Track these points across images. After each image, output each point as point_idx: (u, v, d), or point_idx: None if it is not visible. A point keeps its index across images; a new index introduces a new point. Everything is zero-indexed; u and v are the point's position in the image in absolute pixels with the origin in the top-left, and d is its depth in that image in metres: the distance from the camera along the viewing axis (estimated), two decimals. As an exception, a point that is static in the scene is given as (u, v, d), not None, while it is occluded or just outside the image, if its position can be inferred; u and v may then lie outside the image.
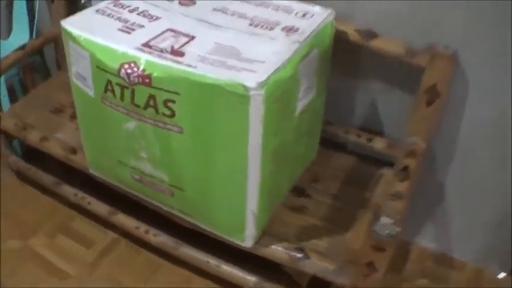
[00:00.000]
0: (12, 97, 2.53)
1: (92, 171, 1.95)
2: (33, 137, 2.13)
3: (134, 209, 1.98)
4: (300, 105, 1.63)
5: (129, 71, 1.49)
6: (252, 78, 1.39)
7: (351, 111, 2.08)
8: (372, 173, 2.02)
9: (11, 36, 2.64)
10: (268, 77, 1.41)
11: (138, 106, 1.55)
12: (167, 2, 1.75)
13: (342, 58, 1.85)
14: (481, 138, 1.89)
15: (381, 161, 2.03)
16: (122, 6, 1.73)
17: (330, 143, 2.05)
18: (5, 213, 2.33)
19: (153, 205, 1.86)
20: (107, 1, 1.76)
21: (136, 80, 1.48)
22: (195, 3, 1.75)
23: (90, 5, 2.01)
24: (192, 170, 1.62)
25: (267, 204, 1.69)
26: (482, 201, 2.03)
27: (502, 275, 2.14)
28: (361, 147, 2.01)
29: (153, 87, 1.49)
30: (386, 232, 1.44)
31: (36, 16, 2.51)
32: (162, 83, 1.47)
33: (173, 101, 1.49)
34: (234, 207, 1.64)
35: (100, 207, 2.13)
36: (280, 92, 1.45)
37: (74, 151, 2.03)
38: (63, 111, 2.26)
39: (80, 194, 2.18)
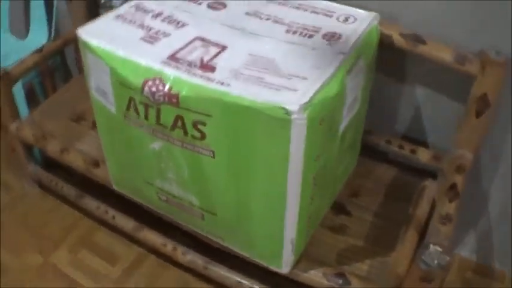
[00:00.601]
0: (33, 100, 2.33)
1: (115, 188, 1.73)
2: (53, 148, 1.94)
3: (161, 223, 1.77)
4: (344, 122, 1.42)
5: (153, 89, 1.28)
6: (293, 100, 1.18)
7: (393, 119, 1.88)
8: (414, 185, 1.80)
9: (28, 37, 2.44)
10: (312, 97, 1.19)
11: (164, 126, 1.34)
12: (195, 5, 1.54)
13: (384, 62, 1.65)
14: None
15: (423, 171, 1.82)
16: (145, 11, 1.51)
17: (369, 150, 1.84)
18: (26, 225, 2.15)
19: (181, 224, 1.67)
20: (127, 4, 1.52)
21: (162, 99, 1.27)
22: (225, 6, 1.54)
23: (111, 5, 1.80)
24: (225, 195, 1.41)
25: (306, 230, 1.49)
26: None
27: None
28: (404, 157, 1.77)
29: (181, 108, 1.27)
30: (436, 262, 1.25)
31: (54, 16, 2.29)
32: (191, 104, 1.26)
33: (203, 123, 1.28)
34: (270, 234, 1.44)
35: (125, 222, 1.93)
36: (324, 114, 1.24)
37: (96, 164, 1.83)
38: (84, 119, 2.05)
39: (103, 207, 1.98)
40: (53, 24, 2.35)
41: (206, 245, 1.67)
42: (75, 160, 1.89)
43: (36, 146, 2.00)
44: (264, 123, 1.20)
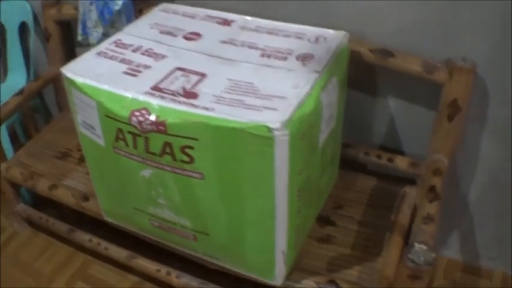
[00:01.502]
0: (15, 142, 2.39)
1: (107, 218, 1.80)
2: (41, 186, 2.00)
3: (154, 249, 1.83)
4: (323, 137, 1.49)
5: (140, 118, 1.35)
6: (275, 118, 1.26)
7: (370, 131, 1.97)
8: (395, 192, 1.89)
9: (7, 79, 2.52)
10: (292, 115, 1.28)
11: (153, 154, 1.41)
12: (171, 37, 1.62)
13: (356, 77, 1.73)
14: (503, 147, 1.78)
15: (402, 179, 1.90)
16: (124, 46, 1.59)
17: (349, 163, 1.92)
18: (19, 264, 2.21)
19: (175, 248, 1.72)
20: (107, 41, 1.60)
21: (149, 127, 1.34)
22: (201, 36, 1.60)
23: (88, 43, 1.88)
24: (217, 214, 1.48)
25: (295, 241, 1.56)
26: (505, 210, 1.94)
27: None
28: (383, 167, 1.85)
29: (169, 134, 1.34)
30: (422, 259, 1.33)
31: (31, 57, 2.35)
32: (178, 130, 1.34)
33: (191, 147, 1.35)
34: (263, 249, 1.51)
35: (118, 252, 2.00)
36: (304, 129, 1.33)
37: (86, 198, 1.89)
38: (69, 156, 2.12)
39: (95, 239, 2.04)
40: (31, 65, 2.41)
41: (200, 266, 1.73)
42: (64, 196, 1.96)
43: (25, 185, 2.05)
44: (249, 143, 1.28)
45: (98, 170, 1.67)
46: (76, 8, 2.08)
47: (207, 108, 1.32)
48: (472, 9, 1.57)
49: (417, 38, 1.69)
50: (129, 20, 1.91)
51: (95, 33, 1.97)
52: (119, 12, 1.91)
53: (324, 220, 1.80)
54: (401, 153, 1.95)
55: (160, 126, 1.34)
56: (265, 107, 1.31)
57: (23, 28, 2.43)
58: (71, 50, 2.26)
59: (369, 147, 1.92)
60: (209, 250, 1.63)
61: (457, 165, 1.89)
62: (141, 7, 1.95)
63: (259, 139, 1.27)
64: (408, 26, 1.68)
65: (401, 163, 1.86)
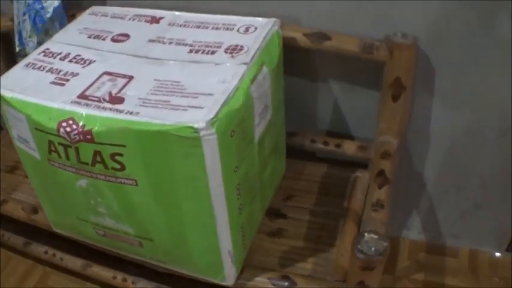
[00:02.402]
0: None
1: (55, 229, 1.74)
2: (-9, 202, 1.89)
3: (110, 256, 1.78)
4: (259, 130, 1.43)
5: (68, 129, 1.30)
6: (199, 117, 1.21)
7: (314, 117, 1.92)
8: (346, 178, 1.84)
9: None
10: (218, 112, 1.22)
11: (85, 163, 1.36)
12: (99, 41, 1.56)
13: (294, 63, 1.69)
14: (454, 119, 1.75)
15: (353, 163, 1.86)
16: (53, 55, 1.53)
17: (297, 152, 1.87)
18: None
19: (125, 255, 1.67)
20: (35, 51, 1.55)
21: (77, 137, 1.29)
22: (129, 37, 1.55)
23: (25, 53, 1.84)
24: (156, 220, 1.44)
25: (242, 239, 1.51)
26: (464, 185, 1.91)
27: (498, 254, 2.04)
28: (331, 153, 1.80)
29: (97, 143, 1.29)
30: (373, 249, 1.28)
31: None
32: (105, 137, 1.28)
33: (120, 154, 1.30)
34: (208, 250, 1.46)
35: (73, 262, 1.95)
36: (234, 125, 1.27)
37: (35, 211, 1.84)
38: (18, 168, 2.07)
39: (51, 250, 1.99)
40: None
41: (155, 271, 1.69)
42: (14, 210, 1.91)
43: (-26, 203, 1.99)
44: (176, 145, 1.22)
45: (39, 183, 1.62)
46: (12, 19, 2.01)
47: (131, 113, 1.26)
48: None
49: (352, 19, 1.64)
50: (62, 26, 1.85)
51: (31, 43, 1.92)
52: (51, 19, 1.85)
53: (274, 213, 1.75)
54: (350, 137, 1.90)
55: (87, 136, 1.29)
56: (191, 106, 1.25)
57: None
58: (11, 62, 2.19)
59: (315, 134, 1.87)
60: (156, 255, 1.58)
61: (408, 143, 1.85)
62: (73, 12, 1.89)
63: (185, 141, 1.21)
64: (342, 6, 1.63)
65: (349, 148, 1.81)
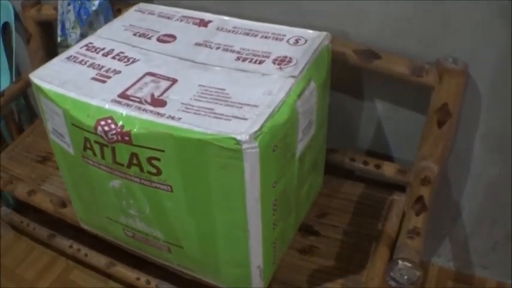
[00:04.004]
0: (1, 144, 2.31)
1: (83, 226, 1.70)
2: (20, 191, 1.90)
3: (135, 256, 1.72)
4: (301, 146, 1.37)
5: (106, 128, 1.24)
6: (243, 129, 1.15)
7: (355, 135, 1.86)
8: (382, 200, 1.77)
9: (-8, 83, 2.37)
10: (262, 125, 1.16)
11: (121, 164, 1.31)
12: (144, 40, 1.50)
13: (341, 78, 1.62)
14: (496, 152, 1.68)
15: (391, 185, 1.78)
16: (95, 50, 1.48)
17: (335, 169, 1.80)
18: (2, 269, 2.13)
19: (152, 258, 1.62)
20: (78, 45, 1.49)
21: (115, 137, 1.24)
22: (175, 38, 1.49)
23: (67, 44, 1.79)
24: (188, 228, 1.38)
25: (273, 255, 1.45)
26: (499, 217, 1.84)
27: None
28: (370, 173, 1.73)
29: (135, 145, 1.24)
30: (406, 278, 1.22)
31: (14, 57, 2.24)
32: (144, 140, 1.23)
33: (158, 159, 1.25)
34: (237, 263, 1.41)
35: (97, 259, 1.92)
36: (277, 140, 1.21)
37: (63, 204, 1.80)
38: (49, 159, 2.02)
39: (76, 245, 1.96)
40: (13, 67, 2.31)
41: (180, 276, 1.63)
42: (42, 202, 1.86)
43: (4, 189, 1.95)
44: (217, 155, 1.17)
45: (70, 178, 1.57)
46: (56, 8, 1.97)
47: (173, 118, 1.21)
48: (459, 5, 1.45)
49: (402, 37, 1.58)
50: (107, 21, 1.81)
51: (73, 34, 1.87)
52: (96, 12, 1.81)
53: (306, 230, 1.69)
54: (390, 158, 1.84)
55: (125, 137, 1.24)
56: (234, 116, 1.19)
57: (5, 29, 2.34)
58: (52, 51, 2.16)
59: (355, 153, 1.80)
60: (183, 262, 1.53)
61: (448, 170, 1.78)
62: (119, 7, 1.84)
63: (226, 152, 1.15)
64: (392, 24, 1.57)
65: (388, 170, 1.74)
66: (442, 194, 1.80)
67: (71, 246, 1.98)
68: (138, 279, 1.81)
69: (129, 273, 1.84)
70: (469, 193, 1.83)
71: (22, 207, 2.19)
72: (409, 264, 1.25)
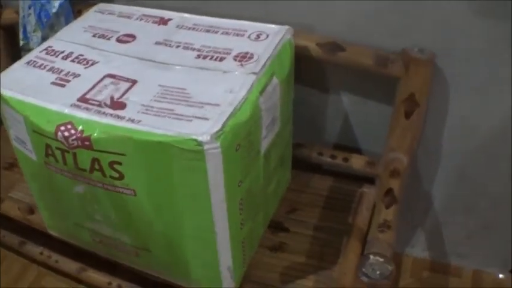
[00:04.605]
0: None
1: (51, 232, 1.66)
2: (-14, 200, 1.80)
3: (107, 261, 1.68)
4: (265, 143, 1.34)
5: (66, 133, 1.21)
6: (204, 129, 1.12)
7: (322, 129, 1.83)
8: (352, 193, 1.75)
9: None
10: (224, 124, 1.13)
11: (83, 170, 1.28)
12: (104, 41, 1.47)
13: (304, 72, 1.60)
14: (466, 140, 1.66)
15: (360, 177, 1.76)
16: (55, 54, 1.44)
17: (302, 163, 1.78)
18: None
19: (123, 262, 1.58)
20: (37, 49, 1.46)
21: (75, 143, 1.21)
22: (135, 38, 1.45)
23: (29, 48, 1.74)
24: (154, 231, 1.35)
25: (242, 254, 1.43)
26: (472, 205, 1.82)
27: (501, 276, 1.96)
28: (338, 166, 1.70)
29: (95, 150, 1.20)
30: (378, 273, 1.20)
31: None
32: (104, 145, 1.20)
33: (119, 163, 1.21)
34: (206, 265, 1.38)
35: (68, 265, 1.88)
36: (240, 139, 1.18)
37: (31, 211, 1.76)
38: (16, 166, 1.96)
39: (46, 252, 1.91)
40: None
41: (152, 279, 1.60)
42: (10, 209, 1.83)
43: (-29, 199, 1.90)
44: (178, 157, 1.14)
45: (35, 185, 1.54)
46: (17, 12, 1.93)
47: (133, 120, 1.18)
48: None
49: (370, 29, 1.55)
50: (68, 22, 1.77)
51: (35, 37, 1.83)
52: (56, 14, 1.77)
53: (276, 226, 1.66)
54: (358, 150, 1.81)
55: (85, 142, 1.20)
56: (195, 117, 1.16)
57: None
58: (16, 55, 2.10)
59: (323, 147, 1.77)
60: (153, 265, 1.50)
61: (418, 160, 1.76)
62: (80, 8, 1.80)
63: (188, 153, 1.12)
64: (360, 17, 1.54)
65: (357, 163, 1.71)
66: (412, 185, 1.78)
67: (41, 253, 1.94)
68: (109, 283, 1.78)
69: (100, 278, 1.81)
70: (440, 183, 1.81)
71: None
72: (381, 259, 1.22)
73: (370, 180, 1.75)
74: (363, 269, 1.21)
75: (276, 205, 1.67)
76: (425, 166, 1.79)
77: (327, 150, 1.75)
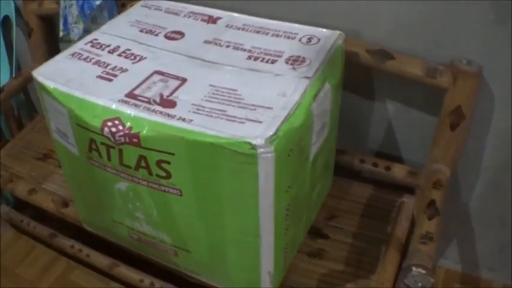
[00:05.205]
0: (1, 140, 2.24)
1: (86, 227, 1.62)
2: (20, 190, 1.83)
3: (139, 258, 1.65)
4: (314, 149, 1.32)
5: (113, 129, 1.18)
6: (258, 133, 1.09)
7: (365, 136, 1.80)
8: (392, 202, 1.71)
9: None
10: (278, 129, 1.10)
11: (128, 167, 1.25)
12: (152, 36, 1.43)
13: (352, 79, 1.56)
14: (505, 154, 1.63)
15: (400, 186, 1.72)
16: (101, 47, 1.41)
17: (344, 170, 1.74)
18: (2, 269, 2.06)
19: (157, 261, 1.56)
20: (82, 41, 1.43)
21: (122, 139, 1.17)
22: (183, 35, 1.43)
23: (69, 39, 1.70)
24: (197, 232, 1.32)
25: (283, 260, 1.40)
26: (507, 219, 1.78)
27: None
28: (380, 175, 1.67)
29: (143, 148, 1.17)
30: (420, 285, 1.18)
31: (14, 52, 2.16)
32: (153, 143, 1.17)
33: (168, 162, 1.18)
34: (247, 268, 1.35)
35: (100, 260, 1.84)
36: (292, 144, 1.15)
37: (65, 204, 1.73)
38: (51, 157, 1.96)
39: (77, 245, 1.88)
40: (14, 62, 2.23)
41: (185, 279, 1.57)
42: (44, 201, 1.79)
43: (5, 188, 1.88)
44: (230, 159, 1.11)
45: (74, 179, 1.51)
46: (57, 2, 1.90)
47: (184, 120, 1.14)
48: (472, 6, 1.40)
49: (414, 38, 1.52)
50: (111, 16, 1.75)
51: (76, 29, 1.80)
52: (100, 7, 1.74)
53: (315, 232, 1.63)
54: (400, 159, 1.78)
55: (133, 139, 1.17)
56: (248, 119, 1.13)
57: (5, 23, 2.25)
58: (54, 46, 2.09)
59: (365, 154, 1.73)
60: (190, 266, 1.47)
61: (457, 172, 1.72)
62: (123, 2, 1.77)
63: (240, 156, 1.09)
64: (407, 25, 1.51)
65: (399, 172, 1.68)
66: (450, 196, 1.73)
67: (72, 247, 1.90)
68: (141, 281, 1.74)
69: (132, 275, 1.77)
70: (478, 195, 1.77)
71: (22, 204, 2.09)
72: (423, 271, 1.19)
73: (409, 189, 1.72)
74: (405, 281, 1.19)
75: (316, 212, 1.64)
76: (464, 177, 1.75)
77: (369, 157, 1.72)
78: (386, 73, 1.52)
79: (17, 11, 2.19)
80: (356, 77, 1.62)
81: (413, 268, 1.20)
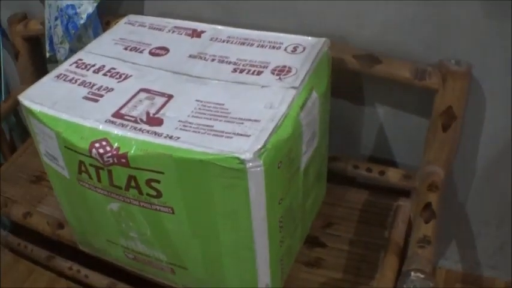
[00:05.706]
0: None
1: (81, 248, 1.61)
2: (15, 213, 1.82)
3: (137, 277, 1.64)
4: (305, 159, 1.30)
5: (101, 150, 1.17)
6: (246, 147, 1.07)
7: (357, 142, 1.78)
8: (387, 206, 1.70)
9: (-21, 101, 2.27)
10: (266, 141, 1.09)
11: (118, 187, 1.23)
12: (136, 54, 1.42)
13: (340, 85, 1.54)
14: (501, 152, 1.61)
15: (395, 190, 1.71)
16: (86, 67, 1.39)
17: (337, 177, 1.73)
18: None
19: (155, 279, 1.54)
20: (67, 62, 1.42)
21: (111, 160, 1.16)
22: (168, 51, 1.41)
23: (56, 59, 1.68)
24: (192, 249, 1.31)
25: (280, 272, 1.38)
26: (506, 217, 1.77)
27: None
28: (374, 180, 1.66)
29: (132, 168, 1.16)
30: None
31: (2, 75, 2.14)
32: (141, 162, 1.15)
33: (157, 181, 1.17)
34: (244, 282, 1.34)
35: (99, 280, 1.83)
36: (282, 156, 1.14)
37: (61, 225, 1.72)
38: (44, 179, 1.94)
39: (75, 266, 1.87)
40: (2, 85, 2.21)
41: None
42: (39, 223, 1.78)
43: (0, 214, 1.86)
44: (219, 175, 1.09)
45: (67, 201, 1.50)
46: (43, 23, 1.89)
47: (171, 137, 1.13)
48: (461, 6, 1.39)
49: (403, 39, 1.50)
50: (96, 34, 1.73)
51: (62, 49, 1.79)
52: (84, 26, 1.72)
53: (312, 241, 1.61)
54: (394, 163, 1.77)
55: (121, 159, 1.16)
56: (236, 133, 1.12)
57: (-8, 45, 2.22)
58: (41, 66, 2.07)
59: (359, 160, 1.72)
60: (188, 282, 1.45)
61: (453, 172, 1.71)
62: (108, 19, 1.76)
63: (229, 171, 1.08)
64: (393, 27, 1.49)
65: (393, 176, 1.66)
66: (447, 196, 1.73)
67: (70, 268, 1.90)
68: (140, 299, 1.71)
69: (131, 294, 1.73)
70: (475, 194, 1.76)
71: (18, 228, 2.07)
72: (422, 275, 1.19)
73: (405, 192, 1.70)
74: (404, 286, 1.18)
75: (311, 221, 1.62)
76: (459, 177, 1.74)
77: (362, 163, 1.70)
78: (375, 77, 1.50)
79: (3, 33, 2.17)
80: (345, 82, 1.61)
81: (412, 273, 1.20)
